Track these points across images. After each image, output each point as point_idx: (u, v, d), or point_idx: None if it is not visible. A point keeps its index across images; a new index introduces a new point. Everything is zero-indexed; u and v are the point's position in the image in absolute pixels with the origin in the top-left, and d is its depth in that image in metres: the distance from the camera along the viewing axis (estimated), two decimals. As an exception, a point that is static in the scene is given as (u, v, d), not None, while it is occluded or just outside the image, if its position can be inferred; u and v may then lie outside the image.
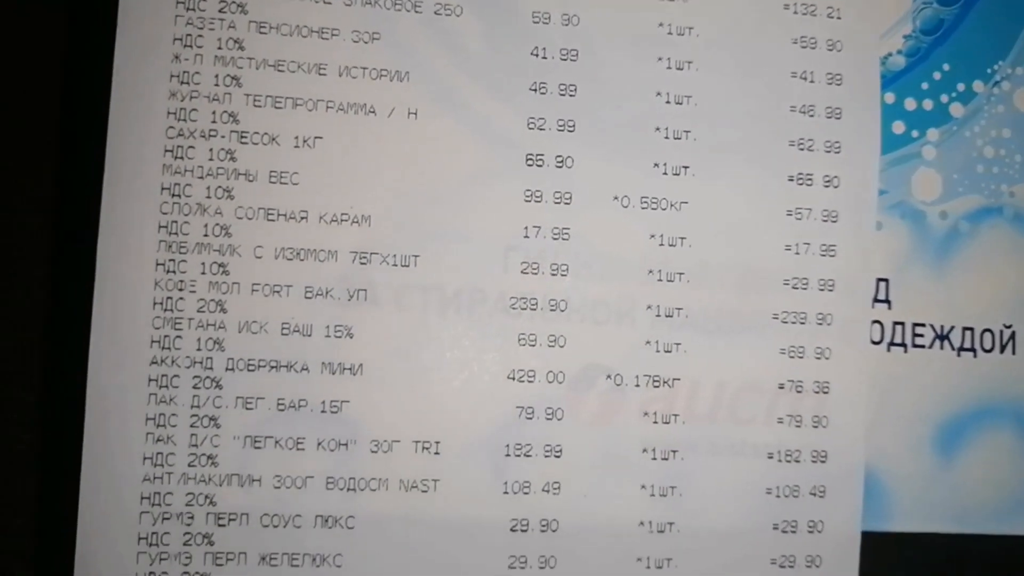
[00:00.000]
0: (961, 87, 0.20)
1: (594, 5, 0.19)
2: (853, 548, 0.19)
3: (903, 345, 0.20)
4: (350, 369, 0.18)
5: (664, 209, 0.19)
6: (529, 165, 0.18)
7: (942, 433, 0.20)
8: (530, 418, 0.18)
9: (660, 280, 0.19)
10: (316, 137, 0.18)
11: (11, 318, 0.18)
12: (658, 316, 0.19)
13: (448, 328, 0.18)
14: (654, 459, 0.19)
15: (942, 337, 0.20)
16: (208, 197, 0.18)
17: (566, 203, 0.18)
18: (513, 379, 0.18)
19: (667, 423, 0.19)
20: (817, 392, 0.19)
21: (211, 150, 0.18)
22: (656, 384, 0.19)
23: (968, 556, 0.20)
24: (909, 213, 0.20)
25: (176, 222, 0.17)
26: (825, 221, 0.19)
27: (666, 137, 0.19)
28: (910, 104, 0.20)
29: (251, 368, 0.18)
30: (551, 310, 0.18)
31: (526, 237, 0.18)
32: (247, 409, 0.18)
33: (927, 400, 0.20)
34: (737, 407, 0.19)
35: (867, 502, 0.19)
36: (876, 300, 0.19)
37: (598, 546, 0.18)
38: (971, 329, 0.20)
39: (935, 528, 0.20)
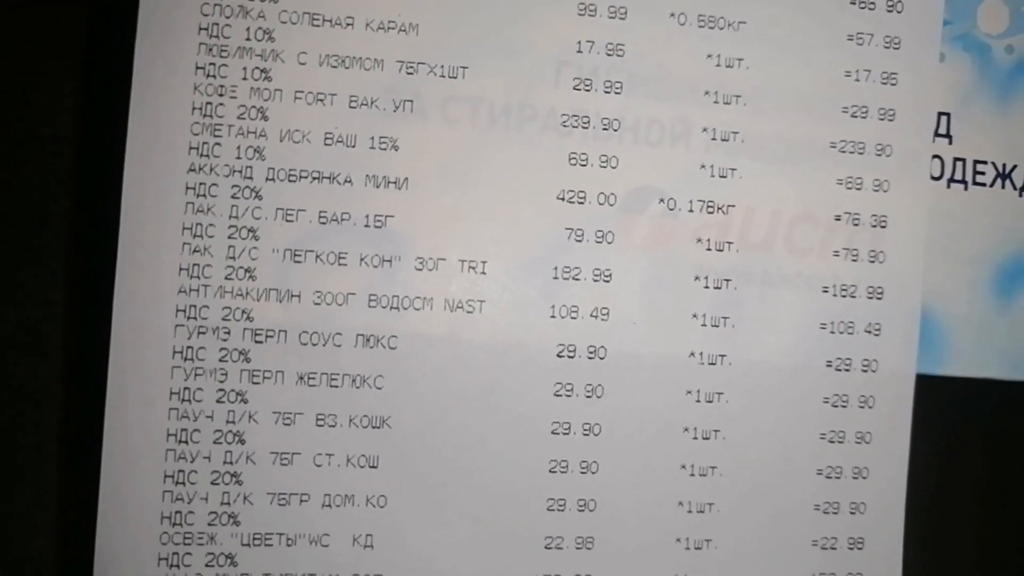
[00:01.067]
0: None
1: None
2: (907, 389, 0.19)
3: (963, 182, 0.19)
4: (395, 183, 0.17)
5: (722, 29, 0.18)
6: None
7: (1001, 275, 0.19)
8: (579, 240, 0.18)
9: (716, 102, 0.18)
10: (361, -58, 0.17)
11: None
12: (713, 139, 0.18)
13: (496, 143, 0.17)
14: (707, 287, 0.18)
15: (1004, 176, 0.19)
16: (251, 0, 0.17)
17: (621, 18, 0.18)
18: (563, 200, 0.17)
19: (720, 251, 0.18)
20: (875, 226, 0.18)
21: (253, -48, 0.17)
22: (710, 210, 0.18)
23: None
24: (974, 46, 0.19)
25: (218, 24, 0.17)
26: (887, 48, 0.18)
27: (725, -41, 0.18)
28: (974, -62, 0.19)
29: (292, 179, 0.17)
30: (603, 129, 0.18)
31: (579, 52, 0.18)
32: (287, 221, 0.17)
33: (986, 240, 0.19)
34: (793, 237, 0.18)
35: (922, 343, 0.19)
36: (937, 134, 0.19)
37: (646, 375, 0.18)
38: (1033, 170, 0.19)
39: (991, 374, 0.19)
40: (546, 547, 0.17)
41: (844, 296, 0.18)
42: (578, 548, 0.18)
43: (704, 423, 0.18)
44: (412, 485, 0.17)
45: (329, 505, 0.17)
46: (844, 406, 0.18)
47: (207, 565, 0.17)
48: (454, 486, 0.17)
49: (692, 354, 0.18)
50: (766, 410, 0.18)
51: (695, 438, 0.18)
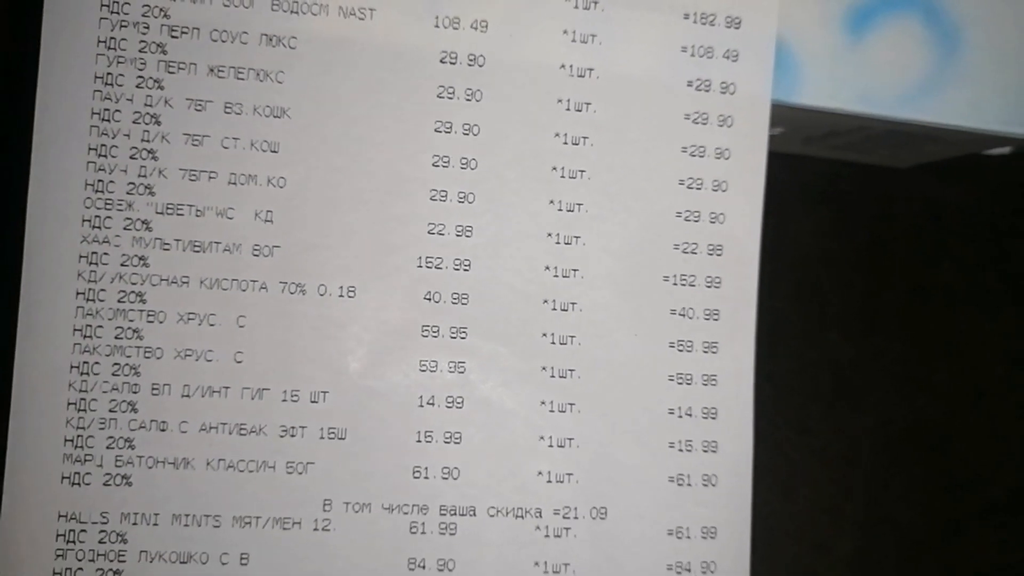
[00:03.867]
0: None
1: None
2: (764, 111, 0.21)
3: (816, -75, 0.21)
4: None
5: None
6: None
7: (853, 11, 0.21)
8: (462, -41, 0.20)
9: None
10: None
11: None
12: None
13: None
14: (576, 7, 0.20)
15: (854, -80, 0.21)
16: None
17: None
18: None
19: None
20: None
21: None
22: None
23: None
24: None
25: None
26: None
27: None
28: None
29: None
30: None
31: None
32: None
33: (837, -21, 0.21)
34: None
35: (777, 73, 0.21)
36: None
37: (521, 83, 0.20)
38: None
39: (841, 105, 0.21)
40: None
41: (704, 24, 0.20)
42: (458, 236, 0.20)
43: (574, 130, 0.20)
44: (308, 169, 0.19)
45: (234, 183, 0.19)
46: (704, 123, 0.20)
47: (125, 228, 0.19)
48: (347, 171, 0.19)
49: (563, 66, 0.20)
50: (632, 120, 0.20)
51: (565, 144, 0.20)
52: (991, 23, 0.22)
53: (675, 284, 0.20)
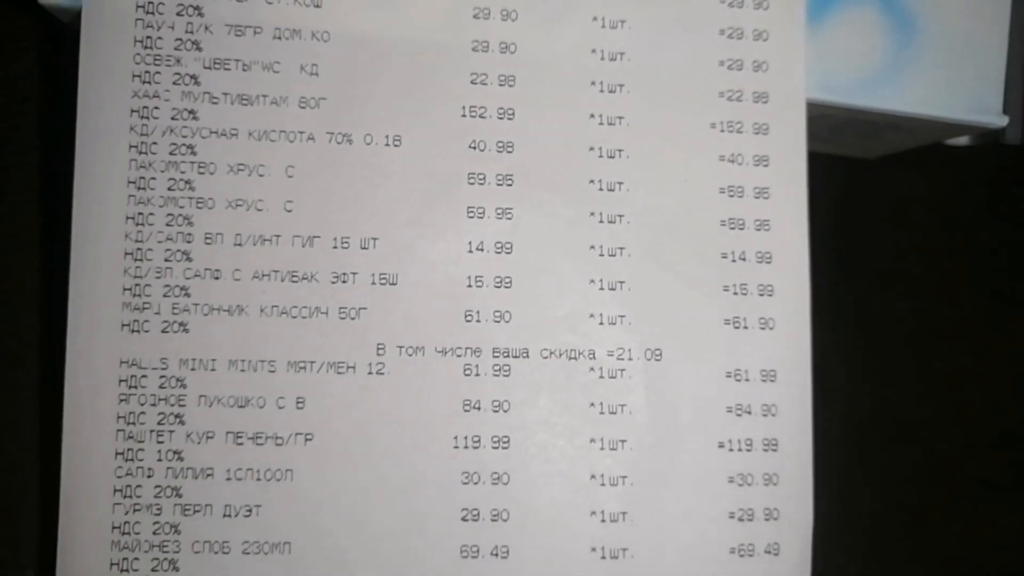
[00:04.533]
0: None
1: None
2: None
3: None
4: None
5: None
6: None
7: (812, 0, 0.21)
8: None
9: None
10: None
11: None
12: None
13: None
14: None
15: None
16: None
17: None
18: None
19: None
20: None
21: None
22: None
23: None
24: None
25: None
26: None
27: None
28: None
29: None
30: None
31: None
32: None
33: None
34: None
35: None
36: None
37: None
38: None
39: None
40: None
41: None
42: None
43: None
44: (351, 22, 0.19)
45: (279, 38, 0.19)
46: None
47: (174, 83, 0.19)
48: (390, 22, 0.19)
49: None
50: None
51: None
52: (947, 11, 0.21)
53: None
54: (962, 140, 0.25)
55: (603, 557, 0.19)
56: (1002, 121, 0.22)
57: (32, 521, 0.21)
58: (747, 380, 0.19)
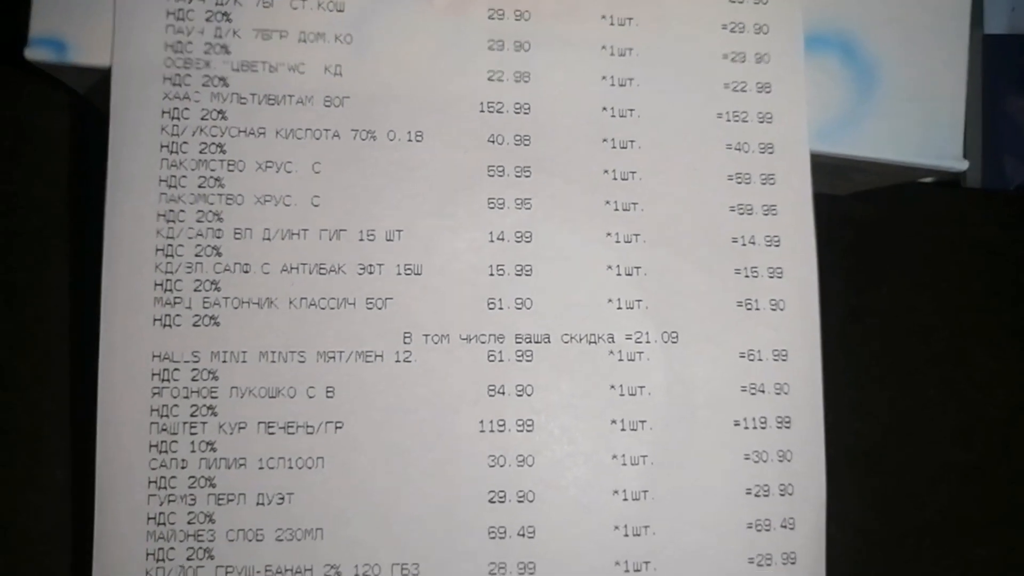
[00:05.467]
0: None
1: None
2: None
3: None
4: None
5: None
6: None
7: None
8: None
9: None
10: None
11: None
12: None
13: None
14: None
15: None
16: None
17: None
18: None
19: None
20: None
21: None
22: None
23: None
24: None
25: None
26: None
27: None
28: None
29: None
30: None
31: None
32: None
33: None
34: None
35: None
36: None
37: None
38: None
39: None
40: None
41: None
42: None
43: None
44: (372, 26, 0.20)
45: (304, 40, 0.20)
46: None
47: (203, 85, 0.20)
48: (410, 25, 0.20)
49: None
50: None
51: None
52: (906, 61, 0.22)
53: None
54: (926, 180, 0.26)
55: (626, 535, 0.20)
56: (962, 165, 0.22)
57: (67, 515, 0.21)
58: (760, 360, 0.20)
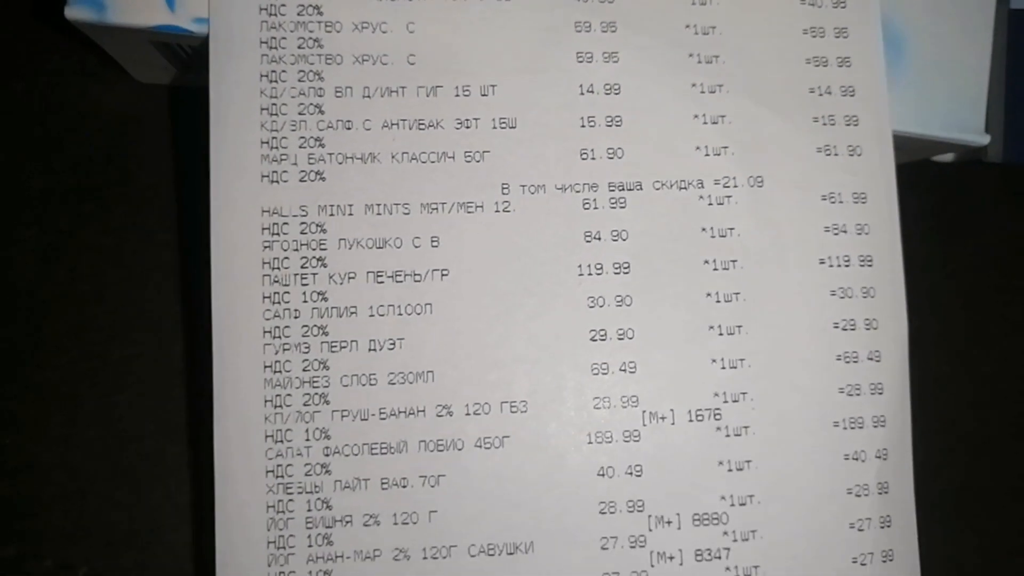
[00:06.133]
0: None
1: None
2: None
3: None
4: None
5: None
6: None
7: None
8: None
9: None
10: None
11: None
12: None
13: None
14: None
15: None
16: None
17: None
18: None
19: None
20: None
21: None
22: None
23: None
24: None
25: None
26: None
27: None
28: None
29: None
30: None
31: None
32: None
33: None
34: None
35: None
36: None
37: None
38: None
39: None
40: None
41: None
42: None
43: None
44: None
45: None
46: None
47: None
48: None
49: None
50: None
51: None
52: (932, 34, 0.23)
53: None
54: (947, 157, 0.26)
55: (723, 368, 0.20)
56: (984, 139, 0.23)
57: (180, 372, 0.22)
58: (840, 202, 0.21)
